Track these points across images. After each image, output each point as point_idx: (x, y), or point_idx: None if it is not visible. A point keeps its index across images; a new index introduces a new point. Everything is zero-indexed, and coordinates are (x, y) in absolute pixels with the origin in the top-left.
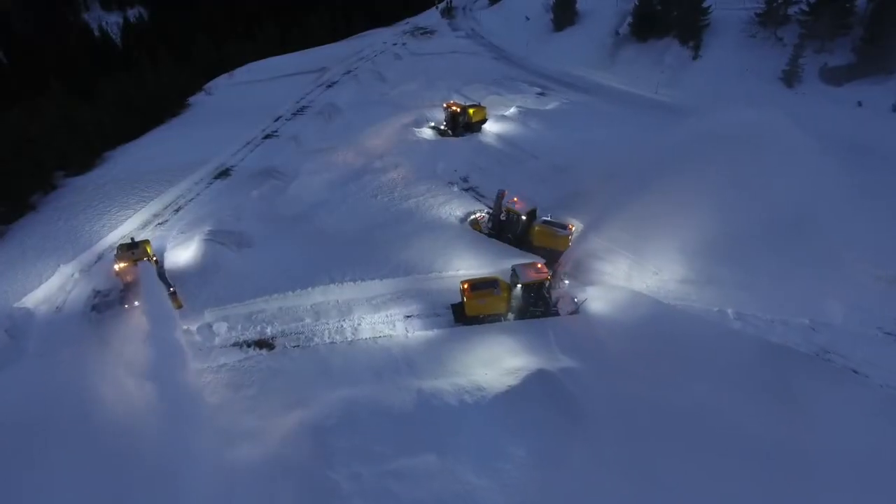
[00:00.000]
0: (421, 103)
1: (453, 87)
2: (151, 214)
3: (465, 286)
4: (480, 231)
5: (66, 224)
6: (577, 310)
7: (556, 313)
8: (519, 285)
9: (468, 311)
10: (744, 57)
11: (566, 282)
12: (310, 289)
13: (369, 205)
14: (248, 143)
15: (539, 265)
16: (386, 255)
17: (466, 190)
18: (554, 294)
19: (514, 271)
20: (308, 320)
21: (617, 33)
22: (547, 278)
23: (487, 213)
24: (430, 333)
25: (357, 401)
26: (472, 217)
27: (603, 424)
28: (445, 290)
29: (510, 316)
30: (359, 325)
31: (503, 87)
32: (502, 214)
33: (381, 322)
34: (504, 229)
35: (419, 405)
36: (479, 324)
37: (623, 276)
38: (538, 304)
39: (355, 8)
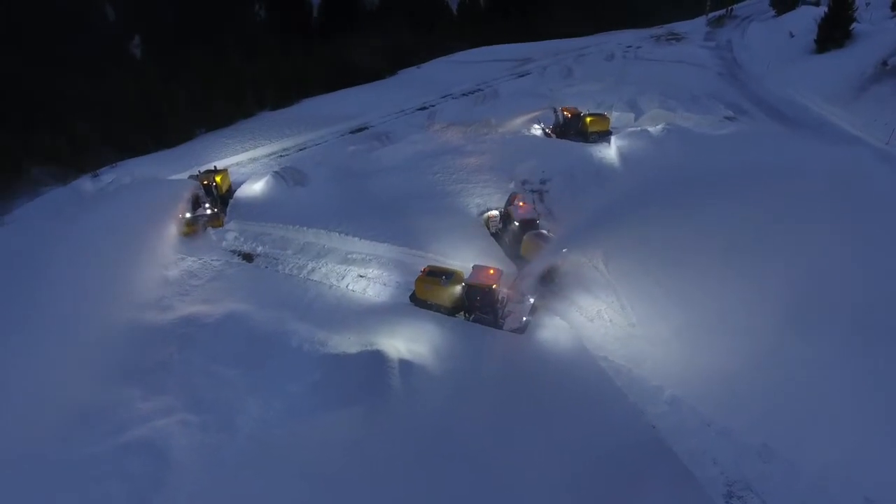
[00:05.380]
0: (575, 104)
1: (629, 94)
2: (282, 147)
3: (423, 270)
4: (489, 229)
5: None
6: (520, 329)
7: (501, 326)
8: (462, 284)
9: (417, 293)
10: None
11: (531, 300)
12: (305, 229)
13: (423, 178)
14: (401, 111)
15: (492, 270)
16: (398, 222)
17: (534, 192)
18: (509, 307)
19: (471, 270)
20: (290, 251)
21: (884, 63)
22: (492, 285)
23: (499, 212)
24: (361, 296)
25: (236, 314)
26: (487, 214)
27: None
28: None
29: (462, 315)
30: (319, 268)
31: (689, 105)
32: (499, 219)
33: (335, 273)
34: (504, 233)
35: (269, 334)
36: (429, 309)
37: (588, 315)
38: (485, 310)
39: (610, 5)
